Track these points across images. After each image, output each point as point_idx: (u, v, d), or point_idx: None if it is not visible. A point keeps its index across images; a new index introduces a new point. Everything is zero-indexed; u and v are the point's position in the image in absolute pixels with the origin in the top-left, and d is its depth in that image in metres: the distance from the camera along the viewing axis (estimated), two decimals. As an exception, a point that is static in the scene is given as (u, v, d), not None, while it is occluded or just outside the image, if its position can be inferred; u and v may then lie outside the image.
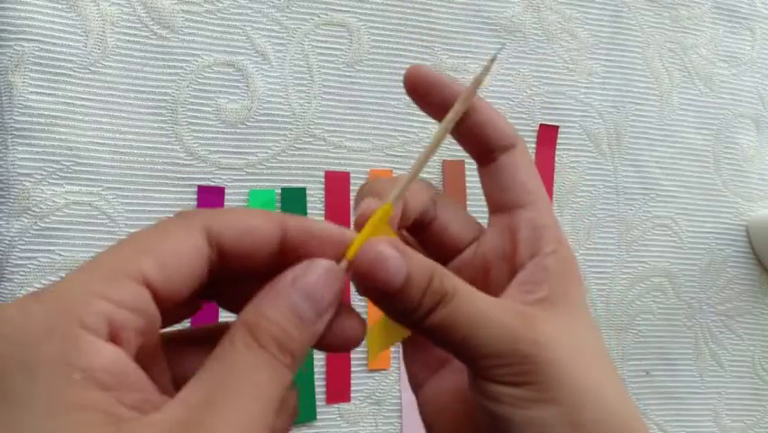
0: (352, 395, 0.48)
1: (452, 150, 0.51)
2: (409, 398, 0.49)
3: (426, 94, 0.27)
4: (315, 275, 0.20)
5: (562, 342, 0.22)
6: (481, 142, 0.26)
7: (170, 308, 0.19)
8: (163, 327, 0.20)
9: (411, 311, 0.21)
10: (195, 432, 0.16)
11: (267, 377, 0.18)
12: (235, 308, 0.21)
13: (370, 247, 0.20)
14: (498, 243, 0.26)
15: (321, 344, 0.21)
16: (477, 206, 0.51)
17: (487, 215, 0.54)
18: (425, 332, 0.22)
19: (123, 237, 0.19)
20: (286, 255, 0.21)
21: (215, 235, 0.20)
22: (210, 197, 0.45)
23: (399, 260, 0.20)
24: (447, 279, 0.21)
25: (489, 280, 0.25)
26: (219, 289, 0.21)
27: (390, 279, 0.20)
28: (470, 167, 0.52)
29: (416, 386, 0.27)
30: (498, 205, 0.26)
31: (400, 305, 0.21)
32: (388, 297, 0.21)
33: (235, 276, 0.21)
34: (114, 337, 0.17)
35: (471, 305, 0.21)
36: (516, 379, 0.21)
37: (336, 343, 0.22)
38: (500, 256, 0.25)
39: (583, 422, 0.21)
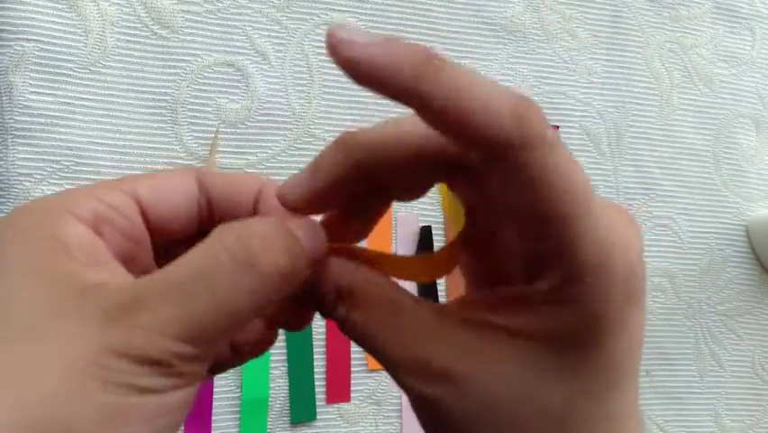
0: (351, 395, 0.48)
1: (452, 150, 0.51)
2: (409, 398, 0.49)
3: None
4: (309, 223, 0.20)
5: (481, 389, 0.19)
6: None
7: (160, 234, 0.21)
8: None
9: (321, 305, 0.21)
10: (141, 307, 0.16)
11: (237, 280, 0.17)
12: None
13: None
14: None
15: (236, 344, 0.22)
16: (477, 206, 0.51)
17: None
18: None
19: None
20: (261, 213, 0.22)
21: (205, 181, 0.22)
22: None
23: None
24: (341, 305, 0.20)
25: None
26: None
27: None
28: (470, 167, 0.52)
29: None
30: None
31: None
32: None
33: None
34: (96, 229, 0.19)
35: (364, 336, 0.20)
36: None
37: (249, 344, 0.22)
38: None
39: None
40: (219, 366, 0.22)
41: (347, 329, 0.20)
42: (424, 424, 0.20)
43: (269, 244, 0.18)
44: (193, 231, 0.22)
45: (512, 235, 0.19)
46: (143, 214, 0.20)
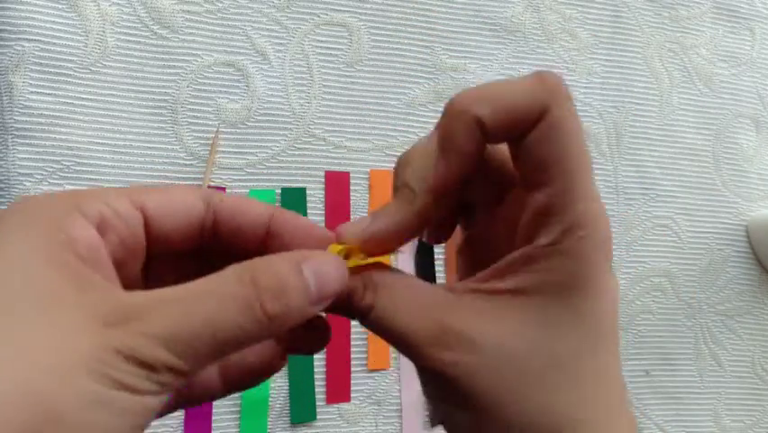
0: (351, 395, 0.48)
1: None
2: (409, 398, 0.49)
3: None
4: (329, 264, 0.21)
5: (494, 347, 0.21)
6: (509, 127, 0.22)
7: (158, 247, 0.22)
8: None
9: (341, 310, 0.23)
10: (141, 317, 0.18)
11: (232, 309, 0.18)
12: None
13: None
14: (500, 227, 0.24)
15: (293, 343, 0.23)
16: (477, 206, 0.51)
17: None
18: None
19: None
20: (270, 240, 0.23)
21: (213, 202, 0.22)
22: (210, 197, 0.45)
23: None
24: (369, 293, 0.22)
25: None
26: (216, 264, 0.22)
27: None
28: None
29: None
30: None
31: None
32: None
33: (229, 250, 0.23)
34: (100, 231, 0.20)
35: (388, 320, 0.22)
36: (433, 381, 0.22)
37: (304, 342, 0.24)
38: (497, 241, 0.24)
39: None
40: (206, 394, 0.23)
41: (374, 317, 0.22)
42: (444, 397, 0.22)
43: (273, 294, 0.19)
44: (192, 248, 0.22)
45: (506, 225, 0.23)
46: (146, 225, 0.21)
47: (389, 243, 0.23)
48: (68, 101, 0.43)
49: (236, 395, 0.45)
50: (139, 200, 0.21)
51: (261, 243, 0.23)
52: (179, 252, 0.22)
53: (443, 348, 0.21)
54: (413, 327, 0.22)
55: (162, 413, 0.21)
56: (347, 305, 0.22)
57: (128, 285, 0.20)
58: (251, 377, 0.24)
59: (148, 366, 0.17)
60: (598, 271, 0.21)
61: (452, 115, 0.21)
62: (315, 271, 0.20)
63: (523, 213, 0.22)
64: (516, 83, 0.21)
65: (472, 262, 0.25)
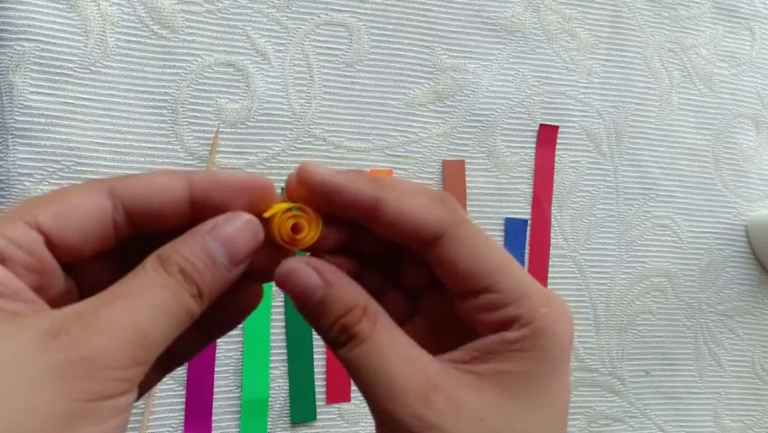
0: (351, 395, 0.48)
1: (452, 150, 0.51)
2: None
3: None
4: (234, 227, 0.21)
5: (475, 419, 0.21)
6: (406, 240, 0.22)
7: (71, 259, 0.21)
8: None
9: (322, 333, 0.22)
10: (86, 321, 0.18)
11: (167, 294, 0.19)
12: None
13: (286, 262, 0.22)
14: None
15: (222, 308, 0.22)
16: (477, 206, 0.51)
17: (487, 215, 0.54)
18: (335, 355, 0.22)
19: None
20: (199, 211, 0.21)
21: (121, 197, 0.21)
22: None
23: (315, 278, 0.21)
24: (367, 320, 0.21)
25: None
26: (141, 252, 0.22)
27: (305, 293, 0.21)
28: (470, 167, 0.52)
29: None
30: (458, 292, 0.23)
31: (313, 322, 0.22)
32: (304, 308, 0.22)
33: (153, 238, 0.22)
34: (1, 263, 0.19)
35: (379, 360, 0.21)
36: None
37: (234, 305, 0.23)
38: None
39: None
40: (189, 351, 0.23)
41: (363, 351, 0.21)
42: None
43: (188, 276, 0.20)
44: (109, 246, 0.21)
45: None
46: (49, 243, 0.20)
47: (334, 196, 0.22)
48: (68, 101, 0.43)
49: (236, 395, 0.45)
50: (33, 220, 0.20)
51: (189, 217, 0.22)
52: (97, 255, 0.21)
53: (427, 406, 0.20)
54: (404, 374, 0.21)
55: (151, 385, 0.21)
56: (337, 325, 0.22)
57: (58, 300, 0.20)
58: (233, 321, 0.24)
59: (112, 367, 0.17)
60: (559, 368, 0.22)
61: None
62: (221, 241, 0.20)
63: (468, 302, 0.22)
64: (420, 201, 0.22)
65: (431, 333, 0.24)
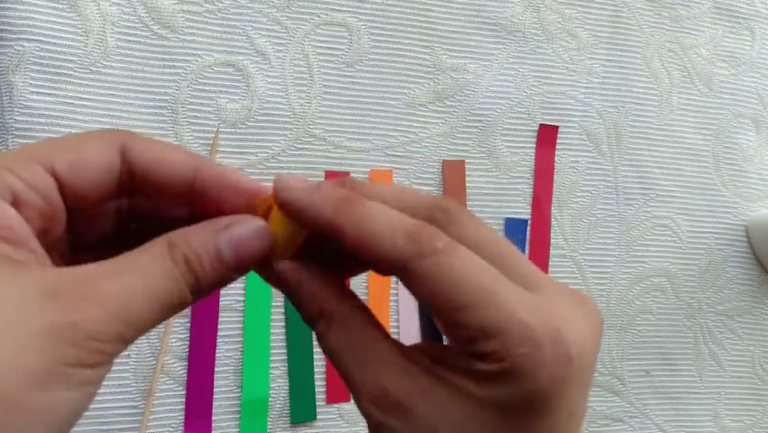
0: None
1: (452, 150, 0.51)
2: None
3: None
4: (247, 231, 0.21)
5: (428, 426, 0.20)
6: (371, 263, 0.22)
7: (77, 206, 0.21)
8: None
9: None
10: (84, 289, 0.18)
11: (167, 283, 0.20)
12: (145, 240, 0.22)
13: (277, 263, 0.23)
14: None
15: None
16: (477, 206, 0.51)
17: (487, 215, 0.54)
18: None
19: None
20: (197, 195, 0.22)
21: (131, 154, 0.22)
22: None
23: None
24: (324, 322, 0.22)
25: None
26: (134, 214, 0.23)
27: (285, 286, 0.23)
28: (470, 167, 0.52)
29: None
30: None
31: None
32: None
33: (148, 203, 0.23)
34: (15, 207, 0.19)
35: (335, 355, 0.22)
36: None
37: None
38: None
39: None
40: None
41: (322, 345, 0.23)
42: None
43: (192, 267, 0.20)
44: (110, 198, 0.22)
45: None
46: (61, 189, 0.21)
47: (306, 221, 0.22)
48: (68, 101, 0.43)
49: (236, 395, 0.45)
50: (49, 164, 0.20)
51: (186, 199, 0.22)
52: (97, 204, 0.22)
53: (379, 409, 0.21)
54: (355, 375, 0.21)
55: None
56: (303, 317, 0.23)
57: (51, 251, 0.21)
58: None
59: (91, 337, 0.18)
60: (548, 398, 0.20)
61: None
62: (231, 241, 0.21)
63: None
64: (382, 232, 0.21)
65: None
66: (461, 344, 0.21)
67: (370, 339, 0.22)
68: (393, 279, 0.49)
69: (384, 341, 0.22)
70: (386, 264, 0.21)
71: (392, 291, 0.49)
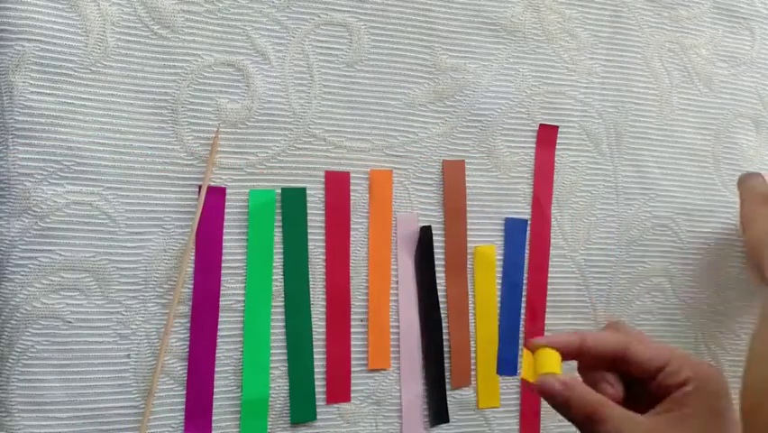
0: (351, 395, 0.48)
1: (452, 149, 0.51)
2: (409, 398, 0.49)
3: None
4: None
5: None
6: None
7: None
8: None
9: (571, 420, 0.37)
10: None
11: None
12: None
13: (543, 378, 0.37)
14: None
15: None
16: (477, 206, 0.51)
17: (487, 215, 0.54)
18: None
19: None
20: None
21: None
22: (211, 197, 0.45)
23: (558, 385, 0.36)
24: (591, 422, 0.35)
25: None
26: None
27: (553, 398, 0.37)
28: (470, 167, 0.52)
29: None
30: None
31: (561, 414, 0.37)
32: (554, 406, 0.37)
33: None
34: None
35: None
36: None
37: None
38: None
39: None
40: None
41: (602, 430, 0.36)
42: None
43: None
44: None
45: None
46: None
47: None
48: (68, 101, 0.43)
49: (236, 395, 0.45)
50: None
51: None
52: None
53: None
54: None
55: None
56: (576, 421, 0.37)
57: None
58: None
59: None
60: (718, 398, 0.36)
61: None
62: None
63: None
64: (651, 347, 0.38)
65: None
66: (669, 380, 0.38)
67: (633, 420, 0.36)
68: (393, 279, 0.49)
69: (635, 416, 0.36)
70: (652, 367, 0.38)
71: (392, 291, 0.49)
